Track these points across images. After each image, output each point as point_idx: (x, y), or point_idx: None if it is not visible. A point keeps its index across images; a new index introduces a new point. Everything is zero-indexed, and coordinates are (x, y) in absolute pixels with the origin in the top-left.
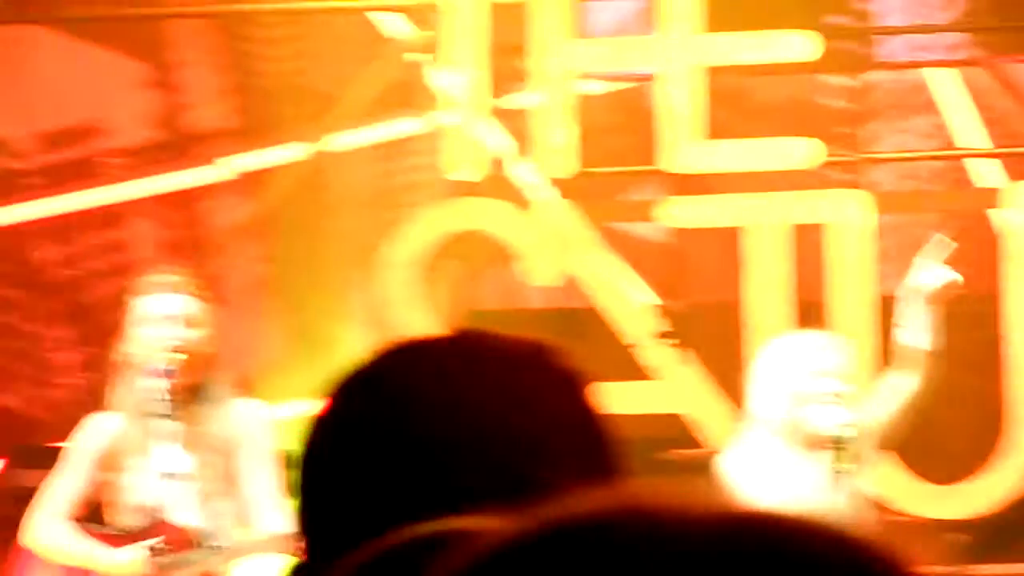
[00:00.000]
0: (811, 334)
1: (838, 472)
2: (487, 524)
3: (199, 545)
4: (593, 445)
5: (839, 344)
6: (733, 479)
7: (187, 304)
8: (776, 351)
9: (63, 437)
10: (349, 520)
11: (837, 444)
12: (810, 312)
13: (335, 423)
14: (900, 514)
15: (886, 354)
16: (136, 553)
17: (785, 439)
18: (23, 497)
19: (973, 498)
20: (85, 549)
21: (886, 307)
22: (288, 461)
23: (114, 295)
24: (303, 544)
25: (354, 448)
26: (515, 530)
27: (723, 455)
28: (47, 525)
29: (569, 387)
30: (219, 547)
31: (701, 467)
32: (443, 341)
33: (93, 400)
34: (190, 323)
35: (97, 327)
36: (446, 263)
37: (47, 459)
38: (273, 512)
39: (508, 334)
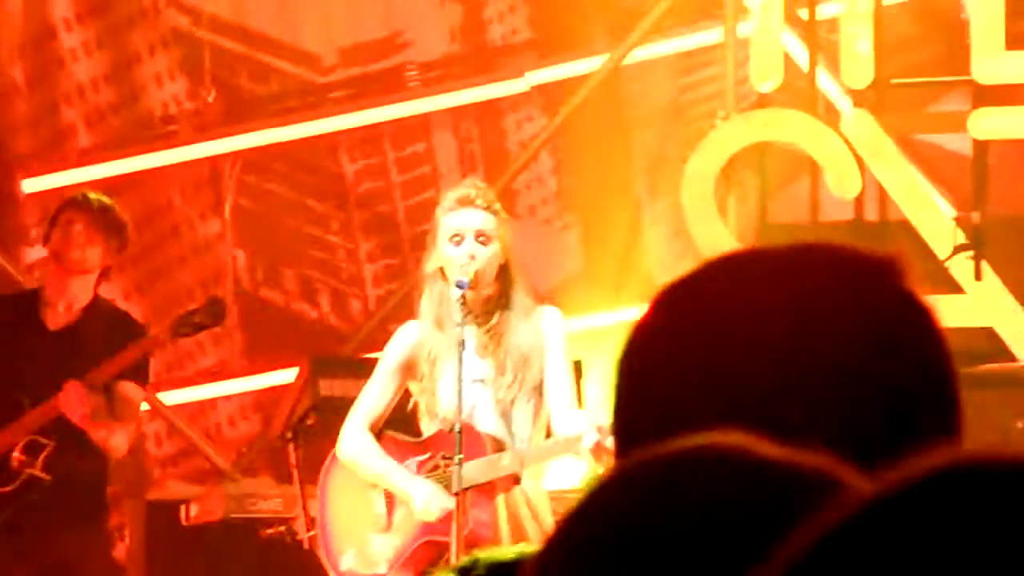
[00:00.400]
0: None
1: None
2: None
3: (500, 450)
4: (942, 377)
5: None
6: None
7: (486, 219)
8: None
9: (361, 348)
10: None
11: None
12: None
13: (656, 330)
14: None
15: None
16: (427, 490)
17: None
18: (320, 407)
19: None
20: (385, 467)
21: None
22: (581, 369)
23: (417, 208)
24: (615, 448)
25: (673, 356)
26: (895, 479)
27: None
28: (354, 438)
29: (917, 308)
30: (520, 452)
31: (1009, 381)
32: (776, 253)
33: (393, 312)
34: (489, 237)
35: (400, 239)
36: (745, 175)
37: (345, 369)
38: (572, 417)
39: (847, 245)
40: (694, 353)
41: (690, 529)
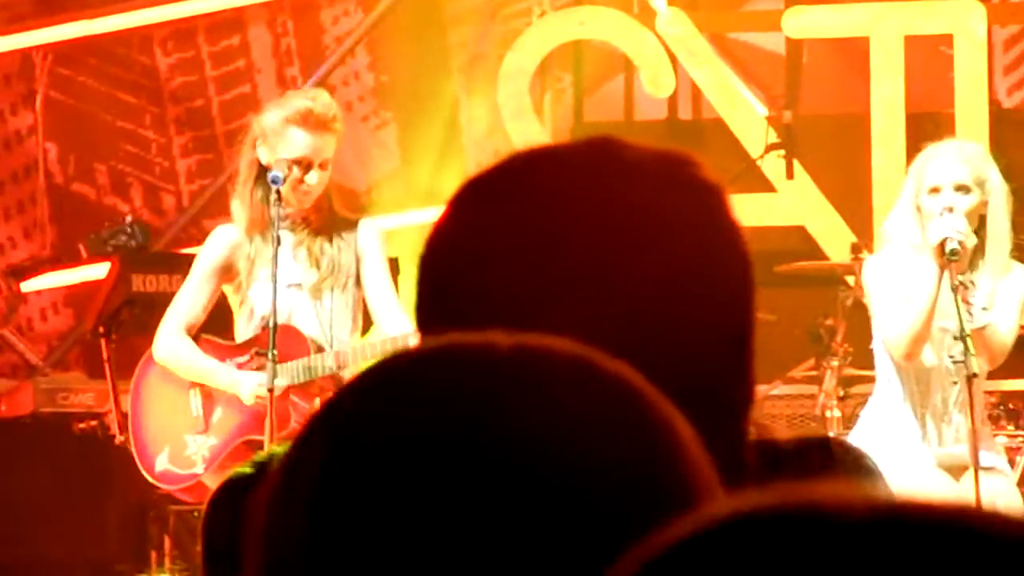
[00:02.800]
0: (938, 147)
1: (957, 285)
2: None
3: (319, 351)
4: (732, 257)
5: (965, 154)
6: (875, 288)
7: (328, 143)
8: (910, 169)
9: (174, 244)
10: (468, 319)
11: (948, 254)
12: (926, 124)
13: (459, 227)
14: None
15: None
16: (254, 378)
17: (917, 253)
18: (133, 302)
19: None
20: (206, 365)
21: (1001, 118)
22: (399, 267)
23: (232, 102)
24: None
25: (477, 252)
26: (686, 528)
27: (866, 264)
28: (171, 339)
29: (708, 200)
30: (340, 352)
31: (819, 279)
32: (573, 149)
33: (206, 208)
34: (326, 161)
35: (214, 135)
36: (561, 73)
37: (157, 265)
38: (395, 318)
39: (640, 143)
40: (492, 250)
41: (437, 426)
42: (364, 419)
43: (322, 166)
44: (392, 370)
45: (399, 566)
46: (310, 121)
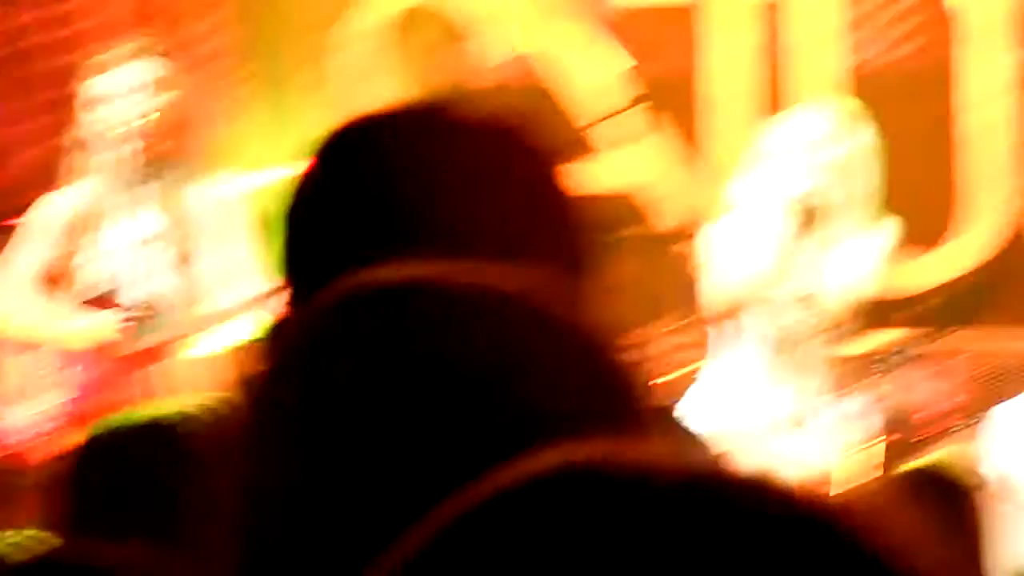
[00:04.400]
0: (798, 110)
1: (804, 244)
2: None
3: (172, 310)
4: (562, 220)
5: (818, 117)
6: (714, 253)
7: (152, 69)
8: (767, 131)
9: (8, 214)
10: (328, 274)
11: (805, 215)
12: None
13: (314, 186)
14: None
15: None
16: (103, 318)
17: (766, 215)
18: None
19: (928, 270)
20: (48, 319)
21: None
22: (261, 225)
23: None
24: (286, 297)
25: (332, 210)
26: (468, 500)
27: (707, 229)
28: (13, 298)
29: (541, 164)
30: (193, 312)
31: (659, 245)
32: (415, 111)
33: (43, 176)
34: (157, 89)
35: (49, 100)
36: (404, 37)
37: None
38: (246, 278)
39: (480, 107)
40: (354, 204)
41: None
42: (342, 354)
43: (155, 92)
44: (359, 302)
45: (385, 491)
46: (132, 54)
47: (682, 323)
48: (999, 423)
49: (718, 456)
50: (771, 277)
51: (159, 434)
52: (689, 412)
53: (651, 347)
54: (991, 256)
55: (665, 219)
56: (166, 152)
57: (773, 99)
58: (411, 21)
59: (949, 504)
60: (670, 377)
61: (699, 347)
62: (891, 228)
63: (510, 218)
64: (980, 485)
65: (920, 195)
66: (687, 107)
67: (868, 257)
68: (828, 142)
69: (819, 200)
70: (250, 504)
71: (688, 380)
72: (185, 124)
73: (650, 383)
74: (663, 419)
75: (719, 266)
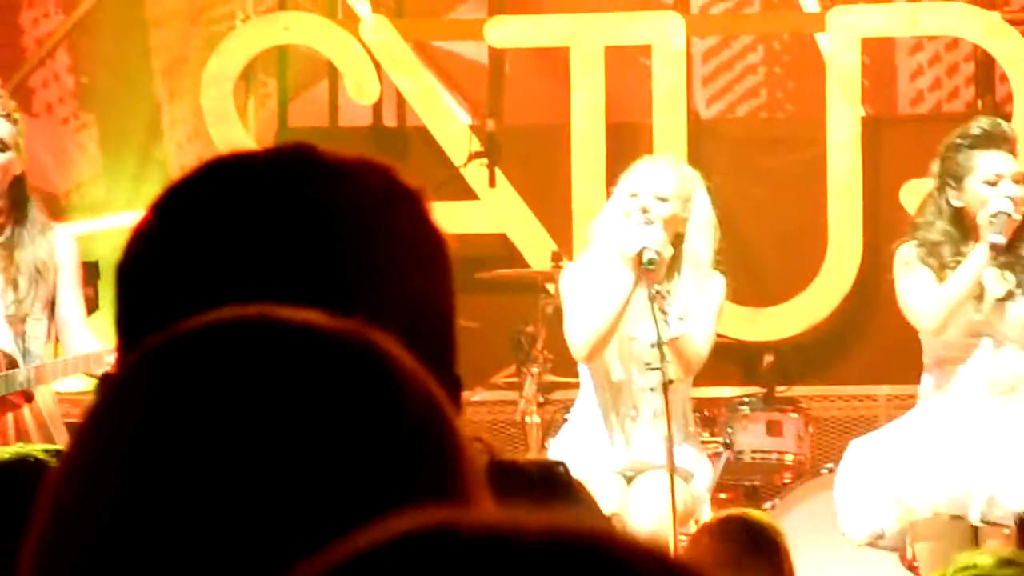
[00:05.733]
0: (653, 158)
1: (654, 294)
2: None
3: (13, 367)
4: (431, 262)
5: (673, 170)
6: (569, 293)
7: (2, 126)
8: (622, 180)
9: None
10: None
11: (645, 264)
12: (626, 134)
13: (159, 233)
14: (718, 336)
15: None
16: None
17: (614, 260)
18: None
19: (788, 320)
20: None
21: (700, 129)
22: (98, 271)
23: None
24: (118, 354)
25: (177, 258)
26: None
27: (564, 271)
28: None
29: (405, 205)
30: (34, 368)
31: (521, 286)
32: (270, 155)
33: None
34: (6, 145)
35: None
36: (265, 78)
37: None
38: (85, 334)
39: (339, 150)
40: (192, 256)
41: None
42: (130, 408)
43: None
44: (154, 352)
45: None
46: None
47: (548, 364)
48: (841, 474)
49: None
50: (607, 321)
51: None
52: (557, 454)
53: (520, 387)
54: (836, 311)
55: (529, 262)
56: (4, 209)
57: (625, 145)
58: (276, 61)
59: (759, 551)
60: (535, 419)
61: (562, 388)
62: (721, 284)
63: (375, 261)
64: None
65: (783, 245)
66: (550, 152)
67: (704, 311)
68: (668, 196)
69: (659, 252)
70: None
71: (558, 422)
72: (25, 182)
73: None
74: (547, 477)
75: (573, 309)
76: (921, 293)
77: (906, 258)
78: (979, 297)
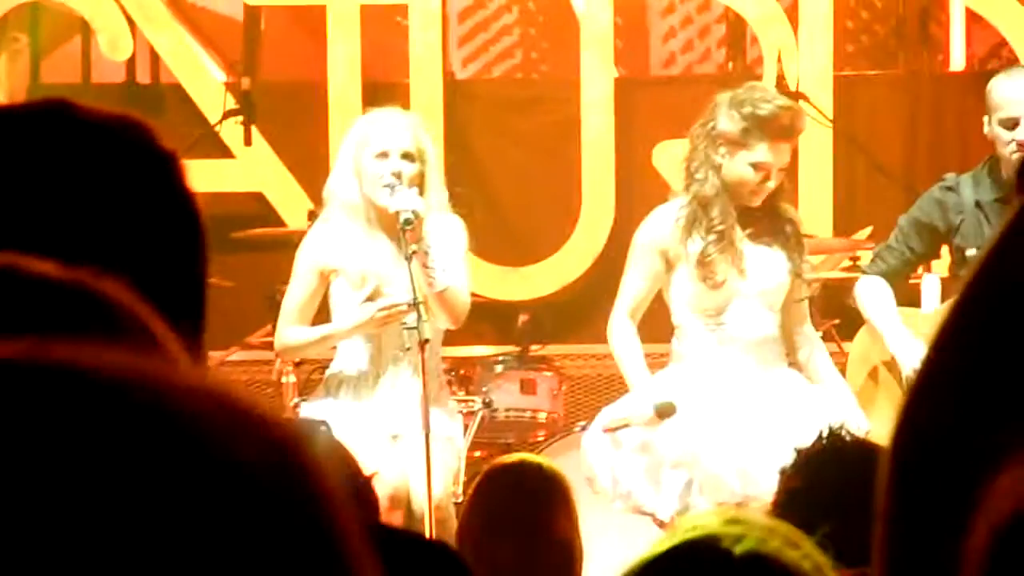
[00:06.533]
0: (381, 113)
1: (410, 252)
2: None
3: None
4: (179, 221)
5: (408, 123)
6: (312, 255)
7: None
8: (351, 133)
9: None
10: None
11: (402, 225)
12: (382, 93)
13: None
14: (472, 295)
15: (446, 140)
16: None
17: (360, 220)
18: None
19: (543, 280)
20: None
21: (456, 89)
22: None
23: None
24: None
25: None
26: None
27: (306, 233)
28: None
29: (156, 163)
30: None
31: (277, 245)
32: (22, 110)
33: None
34: None
35: None
36: (14, 35)
37: None
38: None
39: (93, 107)
40: None
41: None
42: None
43: None
44: None
45: None
46: None
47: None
48: (591, 432)
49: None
50: (313, 348)
51: None
52: (317, 414)
53: (267, 347)
54: (589, 271)
55: (285, 221)
56: None
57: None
58: (28, 17)
59: (550, 494)
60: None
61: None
62: (461, 227)
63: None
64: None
65: (532, 209)
66: (307, 110)
67: (454, 258)
68: (413, 152)
69: (415, 211)
70: None
71: (314, 381)
72: None
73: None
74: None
75: (291, 294)
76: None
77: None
78: (730, 259)
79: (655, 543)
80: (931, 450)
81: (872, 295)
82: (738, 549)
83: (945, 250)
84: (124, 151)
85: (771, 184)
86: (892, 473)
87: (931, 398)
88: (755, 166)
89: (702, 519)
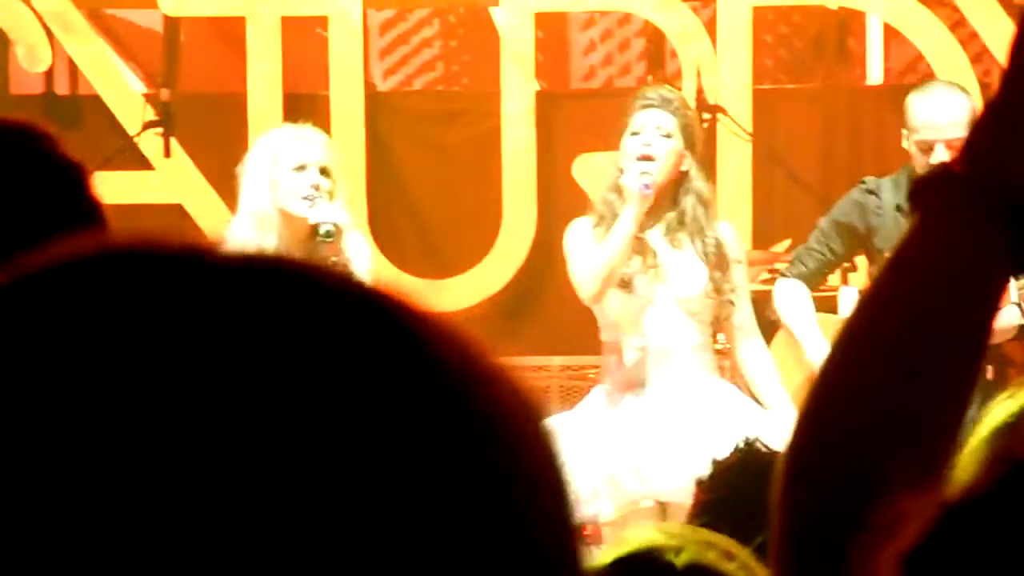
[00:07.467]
0: (295, 128)
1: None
2: None
3: None
4: (85, 232)
5: (323, 139)
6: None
7: None
8: (262, 145)
9: None
10: None
11: (321, 237)
12: (303, 105)
13: None
14: None
15: (368, 152)
16: None
17: (272, 232)
18: None
19: (464, 292)
20: None
21: (377, 102)
22: None
23: None
24: None
25: None
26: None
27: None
28: None
29: (61, 174)
30: None
31: None
32: None
33: None
34: None
35: None
36: None
37: None
38: None
39: (7, 118)
40: None
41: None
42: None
43: None
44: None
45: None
46: None
47: None
48: None
49: None
50: None
51: None
52: None
53: None
54: (510, 283)
55: (205, 233)
56: None
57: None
58: None
59: None
60: None
61: None
62: (365, 247)
63: (20, 226)
64: None
65: (459, 218)
66: (227, 122)
67: (363, 269)
68: (329, 166)
69: (335, 223)
70: None
71: None
72: None
73: None
74: None
75: None
76: (580, 261)
77: (574, 228)
78: (648, 263)
79: (597, 556)
80: (819, 468)
81: (791, 301)
82: (679, 561)
83: (863, 260)
84: (25, 160)
85: (655, 159)
86: (783, 488)
87: (819, 419)
88: (634, 132)
89: (641, 532)
